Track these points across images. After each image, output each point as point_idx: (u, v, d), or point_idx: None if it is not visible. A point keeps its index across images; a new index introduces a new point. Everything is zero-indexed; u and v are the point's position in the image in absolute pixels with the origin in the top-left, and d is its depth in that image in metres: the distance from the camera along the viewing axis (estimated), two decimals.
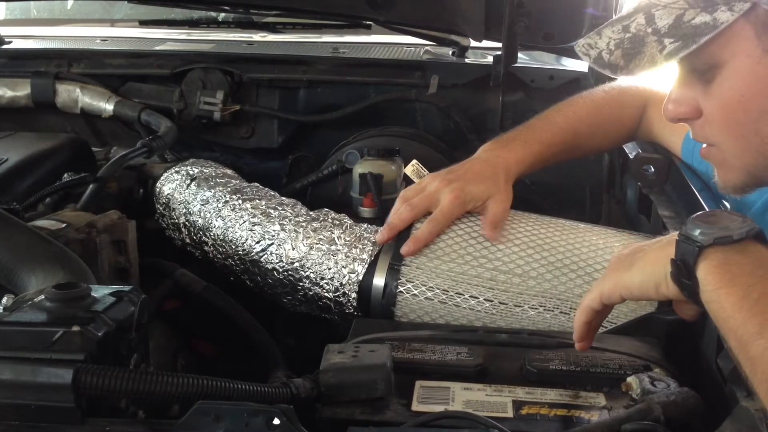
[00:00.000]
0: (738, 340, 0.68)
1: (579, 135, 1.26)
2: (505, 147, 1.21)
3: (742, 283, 0.69)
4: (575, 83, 1.76)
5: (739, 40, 0.84)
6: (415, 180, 1.56)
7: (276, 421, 0.68)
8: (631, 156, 1.38)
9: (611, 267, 0.84)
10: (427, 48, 2.00)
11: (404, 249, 1.08)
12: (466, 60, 1.95)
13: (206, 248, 1.32)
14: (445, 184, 1.13)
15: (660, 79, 1.16)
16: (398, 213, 1.14)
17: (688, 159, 1.22)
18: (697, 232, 0.72)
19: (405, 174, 1.51)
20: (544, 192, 1.74)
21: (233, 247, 1.26)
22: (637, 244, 0.85)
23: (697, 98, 0.90)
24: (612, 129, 1.30)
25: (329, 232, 1.19)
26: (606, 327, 1.02)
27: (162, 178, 1.46)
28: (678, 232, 0.75)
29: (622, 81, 1.30)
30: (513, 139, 1.23)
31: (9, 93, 1.85)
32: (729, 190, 0.95)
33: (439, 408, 0.79)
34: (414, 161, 1.58)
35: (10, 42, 2.04)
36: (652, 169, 1.27)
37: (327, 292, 1.15)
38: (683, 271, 0.74)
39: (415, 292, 1.08)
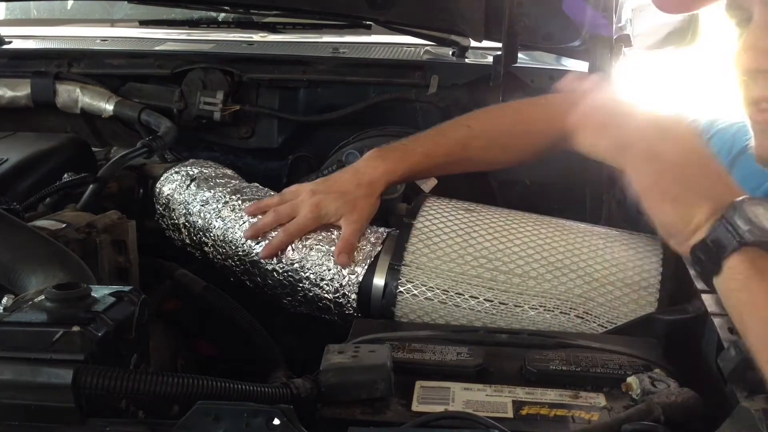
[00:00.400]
0: (766, 329, 0.67)
1: (469, 148, 1.25)
2: (382, 156, 1.22)
3: None
4: None
5: None
6: (415, 180, 1.56)
7: (276, 422, 0.68)
8: None
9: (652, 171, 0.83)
10: (427, 48, 2.00)
11: (260, 254, 1.17)
12: (466, 60, 1.95)
13: (206, 249, 1.32)
14: (308, 196, 1.18)
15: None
16: (264, 216, 1.20)
17: None
18: (744, 227, 0.70)
19: None
20: (544, 192, 1.74)
21: (233, 247, 1.26)
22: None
23: None
24: (514, 144, 1.29)
25: (329, 233, 1.19)
26: (606, 327, 1.02)
27: (162, 178, 1.46)
28: (721, 214, 0.73)
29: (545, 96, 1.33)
30: (395, 149, 1.25)
31: (9, 93, 1.85)
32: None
33: (439, 408, 0.79)
34: None
35: (10, 42, 2.04)
36: None
37: (327, 293, 1.16)
38: (711, 254, 0.72)
39: (415, 292, 1.08)
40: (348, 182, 1.20)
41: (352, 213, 1.17)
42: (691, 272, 0.97)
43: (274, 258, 1.20)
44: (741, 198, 0.74)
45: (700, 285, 0.93)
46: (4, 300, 0.85)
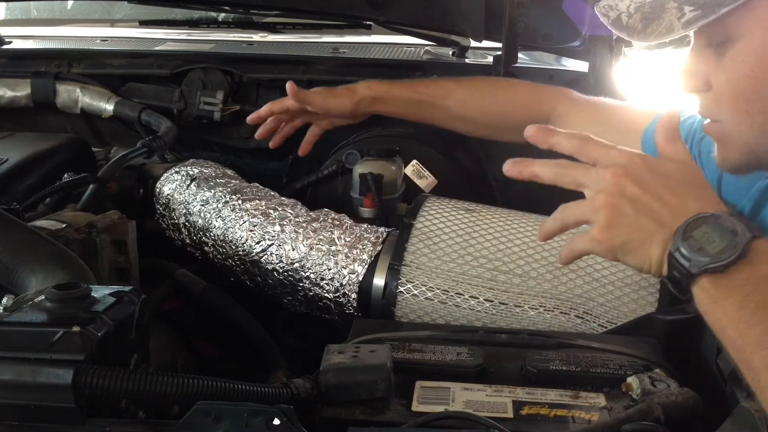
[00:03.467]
0: (738, 351, 0.69)
1: (449, 97, 1.36)
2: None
3: (738, 293, 0.69)
4: (575, 83, 1.76)
5: (758, 14, 0.82)
6: (416, 180, 1.56)
7: (276, 422, 0.68)
8: None
9: (609, 225, 0.79)
10: (427, 48, 2.00)
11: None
12: (466, 60, 1.95)
13: (206, 249, 1.32)
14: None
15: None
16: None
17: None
18: (686, 262, 0.72)
19: (405, 174, 1.51)
20: (544, 192, 1.74)
21: (233, 247, 1.26)
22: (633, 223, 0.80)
23: (709, 71, 0.88)
24: (493, 107, 1.36)
25: (329, 233, 1.19)
26: (606, 327, 1.02)
27: (162, 178, 1.46)
28: (669, 251, 0.75)
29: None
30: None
31: (9, 93, 1.85)
32: (727, 167, 0.93)
33: (439, 408, 0.79)
34: (414, 161, 1.58)
35: (10, 42, 2.03)
36: None
37: (327, 292, 1.16)
38: (678, 287, 0.75)
39: (415, 292, 1.08)
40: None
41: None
42: None
43: (274, 257, 1.20)
44: (683, 224, 0.74)
45: None
46: (4, 300, 0.85)
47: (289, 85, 1.41)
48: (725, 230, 0.72)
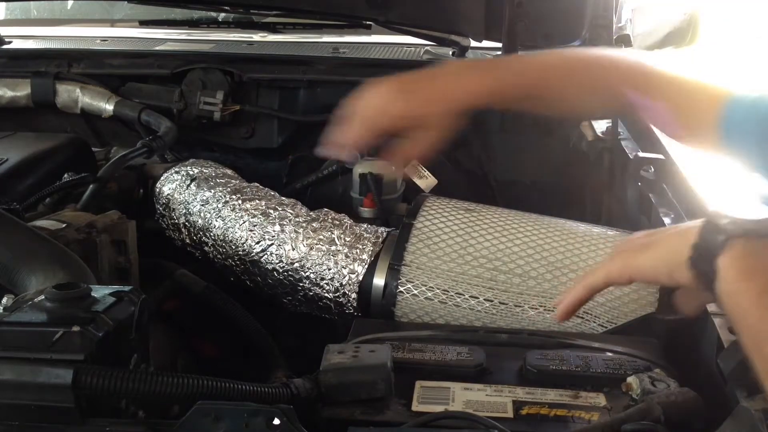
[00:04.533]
0: (753, 337, 0.67)
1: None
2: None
3: (764, 278, 0.68)
4: None
5: None
6: (416, 180, 1.56)
7: (276, 422, 0.68)
8: (631, 156, 1.38)
9: (621, 248, 0.82)
10: (427, 48, 2.00)
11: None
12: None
13: (206, 249, 1.32)
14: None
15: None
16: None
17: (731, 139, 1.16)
18: (725, 221, 0.70)
19: (405, 174, 1.51)
20: (544, 192, 1.74)
21: (233, 247, 1.26)
22: (650, 230, 0.83)
23: None
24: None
25: (329, 233, 1.19)
26: (606, 327, 1.02)
27: (162, 178, 1.46)
28: (702, 220, 0.73)
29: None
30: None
31: (9, 93, 1.85)
32: None
33: (439, 408, 0.79)
34: (414, 161, 1.58)
35: (10, 42, 2.03)
36: (652, 169, 1.27)
37: (327, 292, 1.16)
38: (704, 257, 0.71)
39: (415, 292, 1.08)
40: None
41: None
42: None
43: (274, 257, 1.20)
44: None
45: None
46: (4, 300, 0.85)
47: None
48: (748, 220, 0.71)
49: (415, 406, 0.80)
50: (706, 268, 0.71)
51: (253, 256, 1.23)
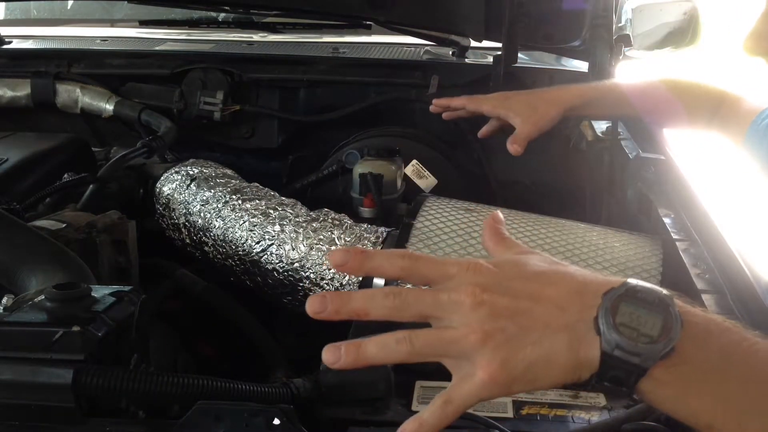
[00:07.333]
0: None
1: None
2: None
3: (708, 368, 0.57)
4: (575, 83, 1.76)
5: None
6: (416, 180, 1.56)
7: (276, 421, 0.68)
8: (631, 156, 1.38)
9: (503, 360, 0.57)
10: (427, 48, 2.00)
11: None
12: (466, 60, 1.95)
13: (206, 248, 1.32)
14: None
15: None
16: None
17: (750, 142, 1.21)
18: (634, 357, 0.55)
19: (405, 174, 1.51)
20: (544, 192, 1.74)
21: (233, 247, 1.26)
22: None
23: None
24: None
25: (329, 233, 1.19)
26: None
27: (162, 178, 1.46)
28: (601, 341, 0.56)
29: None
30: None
31: (9, 93, 1.85)
32: None
33: None
34: (414, 161, 1.58)
35: (10, 42, 2.04)
36: (653, 169, 1.26)
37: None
38: (620, 384, 0.57)
39: None
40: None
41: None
42: (692, 272, 0.97)
43: (274, 257, 1.20)
44: (600, 312, 0.57)
45: (700, 285, 0.93)
46: (4, 300, 0.84)
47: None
48: (648, 302, 0.57)
49: (415, 406, 0.80)
50: (629, 390, 0.58)
51: (253, 256, 1.23)
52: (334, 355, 0.61)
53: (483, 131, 1.39)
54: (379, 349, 0.61)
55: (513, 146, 1.24)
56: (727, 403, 0.56)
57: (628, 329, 0.56)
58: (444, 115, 1.41)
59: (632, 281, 0.58)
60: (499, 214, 0.74)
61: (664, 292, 0.57)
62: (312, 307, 0.62)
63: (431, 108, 1.41)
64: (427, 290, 0.61)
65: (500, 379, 0.58)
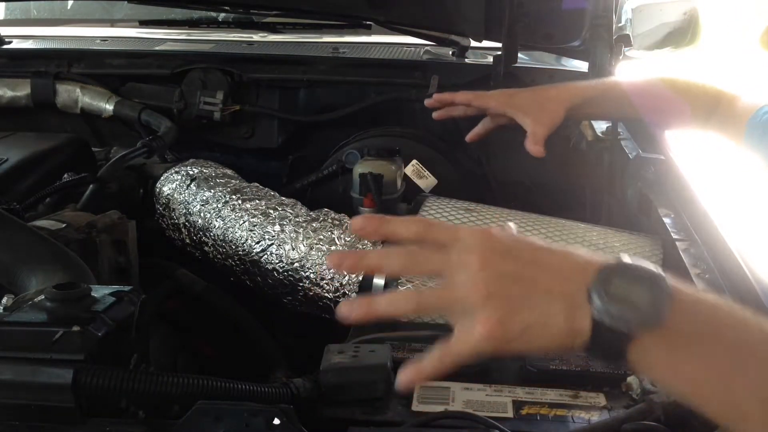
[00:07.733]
0: (725, 404, 0.58)
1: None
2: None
3: (696, 341, 0.59)
4: None
5: None
6: (416, 180, 1.56)
7: (276, 421, 0.68)
8: (631, 156, 1.38)
9: (502, 316, 0.61)
10: (427, 48, 2.00)
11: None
12: (466, 60, 1.95)
13: (206, 248, 1.32)
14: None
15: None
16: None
17: (750, 139, 1.20)
18: (621, 323, 0.58)
19: (405, 174, 1.51)
20: (544, 192, 1.74)
21: (233, 247, 1.26)
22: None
23: None
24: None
25: (329, 233, 1.19)
26: None
27: (162, 178, 1.46)
28: (592, 309, 0.59)
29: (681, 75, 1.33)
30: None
31: (9, 93, 1.85)
32: None
33: (439, 408, 0.79)
34: (414, 161, 1.58)
35: (10, 42, 2.03)
36: (653, 169, 1.27)
37: (327, 292, 1.16)
38: (608, 353, 0.61)
39: None
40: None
41: None
42: (692, 272, 0.97)
43: (274, 257, 1.20)
44: (593, 282, 0.60)
45: (700, 285, 0.93)
46: (4, 300, 0.85)
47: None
48: (640, 277, 0.60)
49: (415, 406, 0.80)
50: (616, 359, 0.61)
51: (253, 256, 1.23)
52: (348, 309, 0.65)
53: (474, 134, 1.34)
54: (389, 303, 0.65)
55: (535, 147, 1.20)
56: (714, 369, 0.58)
57: (618, 300, 0.59)
58: (435, 115, 1.35)
59: (627, 259, 0.61)
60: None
61: (658, 269, 0.61)
62: (332, 260, 0.67)
63: (429, 102, 1.35)
64: (437, 250, 0.65)
65: (497, 334, 0.61)
